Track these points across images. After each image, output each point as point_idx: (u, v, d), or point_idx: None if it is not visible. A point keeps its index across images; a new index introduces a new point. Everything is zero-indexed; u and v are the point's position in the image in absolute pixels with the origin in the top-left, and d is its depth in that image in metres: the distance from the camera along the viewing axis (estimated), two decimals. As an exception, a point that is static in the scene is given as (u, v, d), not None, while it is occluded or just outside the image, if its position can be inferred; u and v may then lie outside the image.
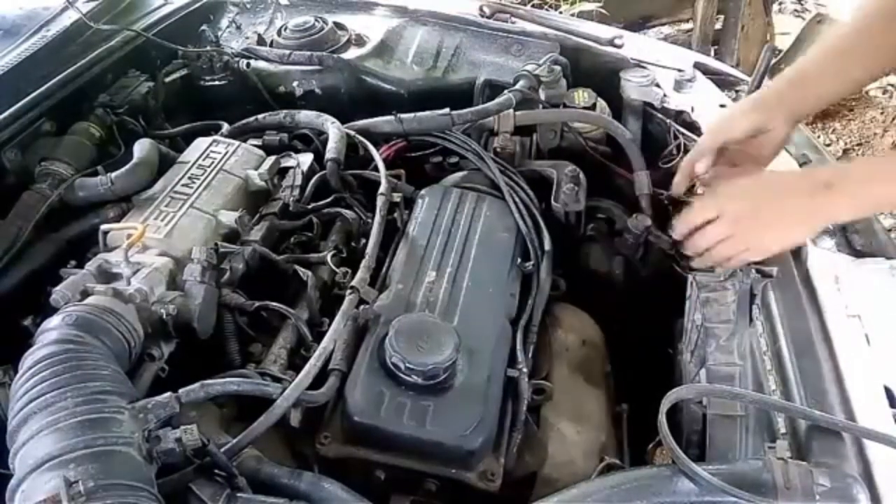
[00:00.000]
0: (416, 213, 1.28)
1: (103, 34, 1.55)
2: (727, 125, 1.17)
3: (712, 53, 3.62)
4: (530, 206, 1.33)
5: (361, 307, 1.07)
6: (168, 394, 0.86)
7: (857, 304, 1.00)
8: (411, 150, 1.48)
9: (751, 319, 1.02)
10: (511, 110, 1.45)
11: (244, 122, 1.50)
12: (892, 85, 3.75)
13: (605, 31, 1.71)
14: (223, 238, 1.18)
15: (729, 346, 1.00)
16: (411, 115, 1.43)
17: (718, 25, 3.79)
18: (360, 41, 1.74)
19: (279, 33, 1.74)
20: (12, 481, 0.74)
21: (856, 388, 0.90)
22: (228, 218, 1.20)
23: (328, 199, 1.31)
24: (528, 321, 1.15)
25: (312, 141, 1.45)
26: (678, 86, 1.50)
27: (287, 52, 1.65)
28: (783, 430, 0.85)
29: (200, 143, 1.36)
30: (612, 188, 1.49)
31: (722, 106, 1.43)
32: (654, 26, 4.12)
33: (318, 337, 1.03)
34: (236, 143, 1.36)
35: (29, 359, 0.84)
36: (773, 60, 2.11)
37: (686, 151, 1.35)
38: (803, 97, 1.13)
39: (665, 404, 0.85)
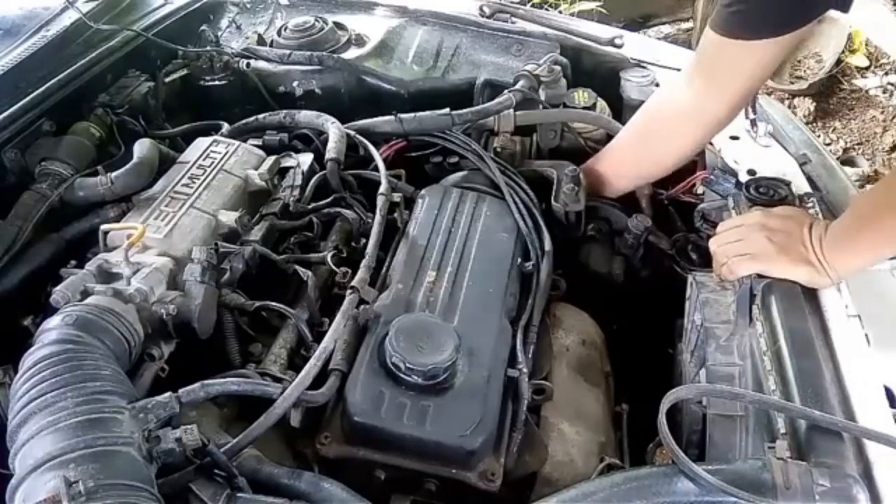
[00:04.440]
0: (416, 213, 1.28)
1: (103, 34, 1.55)
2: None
3: (712, 53, 3.62)
4: (530, 206, 1.32)
5: (361, 307, 1.07)
6: (168, 394, 0.86)
7: (857, 304, 1.00)
8: (411, 150, 1.48)
9: (751, 319, 1.02)
10: (511, 110, 1.45)
11: (244, 122, 1.50)
12: (892, 84, 3.76)
13: (605, 31, 1.71)
14: (223, 238, 1.18)
15: (729, 346, 1.00)
16: (411, 115, 1.43)
17: (718, 25, 3.78)
18: (360, 41, 1.74)
19: (279, 33, 1.74)
20: (12, 481, 0.74)
21: (856, 388, 0.90)
22: (228, 218, 1.20)
23: (328, 199, 1.31)
24: (528, 321, 1.15)
25: (312, 141, 1.44)
26: (678, 86, 1.50)
27: (287, 52, 1.65)
28: (783, 430, 0.85)
29: (200, 143, 1.36)
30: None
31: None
32: (654, 26, 4.12)
33: (318, 337, 1.03)
34: (236, 143, 1.36)
35: (29, 359, 0.84)
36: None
37: None
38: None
39: (665, 404, 0.85)
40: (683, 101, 1.24)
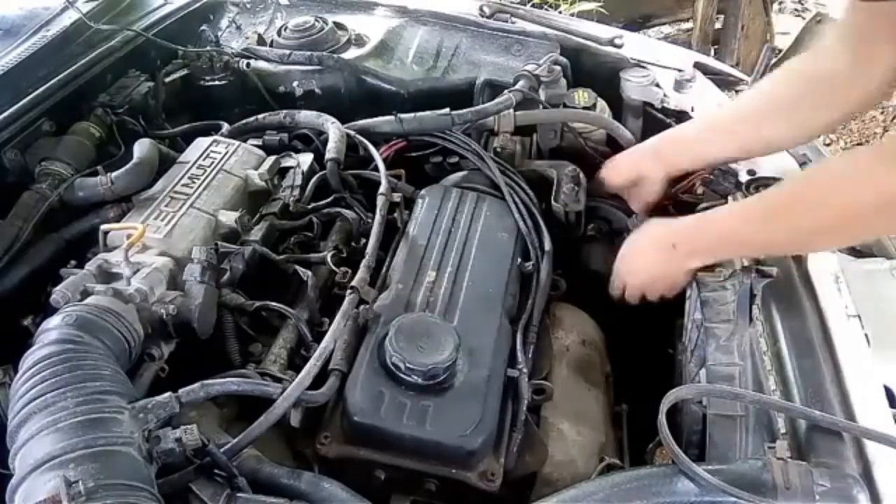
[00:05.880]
0: (416, 213, 1.28)
1: (103, 34, 1.55)
2: (610, 174, 1.37)
3: (712, 53, 3.62)
4: (530, 206, 1.32)
5: (361, 307, 1.07)
6: (168, 394, 0.86)
7: (857, 304, 1.00)
8: (411, 150, 1.48)
9: (751, 319, 1.02)
10: (511, 110, 1.45)
11: (244, 122, 1.50)
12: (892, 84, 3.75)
13: (605, 31, 1.71)
14: (223, 238, 1.18)
15: (729, 346, 1.00)
16: (411, 115, 1.43)
17: (718, 25, 3.79)
18: (360, 41, 1.74)
19: (279, 33, 1.74)
20: (12, 481, 0.74)
21: (856, 388, 0.89)
22: (228, 218, 1.20)
23: (328, 199, 1.31)
24: (528, 321, 1.15)
25: (312, 141, 1.45)
26: (678, 86, 1.50)
27: (287, 52, 1.65)
28: (783, 430, 0.86)
29: (200, 142, 1.36)
30: (613, 188, 1.49)
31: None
32: (654, 26, 4.12)
33: (318, 337, 1.03)
34: (236, 143, 1.36)
35: (29, 359, 0.84)
36: (773, 60, 2.11)
37: None
38: (677, 158, 1.29)
39: (665, 404, 0.85)
40: (838, 68, 1.08)
